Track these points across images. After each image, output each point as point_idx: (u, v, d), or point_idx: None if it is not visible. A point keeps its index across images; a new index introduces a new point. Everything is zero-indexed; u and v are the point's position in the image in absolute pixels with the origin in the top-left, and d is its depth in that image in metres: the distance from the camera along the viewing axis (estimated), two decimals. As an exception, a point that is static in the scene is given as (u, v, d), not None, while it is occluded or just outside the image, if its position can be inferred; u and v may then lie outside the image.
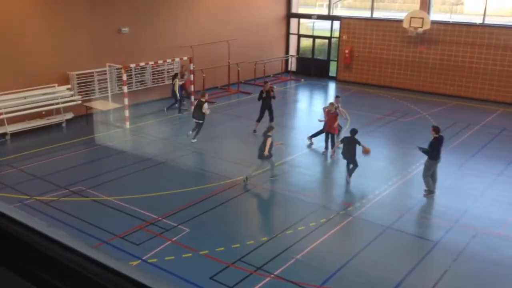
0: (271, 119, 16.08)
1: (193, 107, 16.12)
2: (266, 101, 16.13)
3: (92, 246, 1.15)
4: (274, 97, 16.36)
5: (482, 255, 8.99)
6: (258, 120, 16.12)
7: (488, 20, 21.43)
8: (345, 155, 12.14)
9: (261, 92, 16.20)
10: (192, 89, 18.51)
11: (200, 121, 14.73)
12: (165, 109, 18.33)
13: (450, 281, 8.23)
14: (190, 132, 14.98)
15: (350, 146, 11.96)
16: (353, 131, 12.12)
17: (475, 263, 8.72)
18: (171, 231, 9.54)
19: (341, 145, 12.27)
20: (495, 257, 8.92)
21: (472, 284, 8.20)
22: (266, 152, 11.67)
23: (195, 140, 14.85)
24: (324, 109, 14.66)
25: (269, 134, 11.93)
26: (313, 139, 14.82)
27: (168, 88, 19.70)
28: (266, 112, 16.20)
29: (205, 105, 14.63)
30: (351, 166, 12.00)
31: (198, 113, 14.68)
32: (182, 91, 18.68)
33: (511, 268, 8.66)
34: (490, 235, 9.70)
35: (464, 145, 15.26)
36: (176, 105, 18.44)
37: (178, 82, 18.18)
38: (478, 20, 21.42)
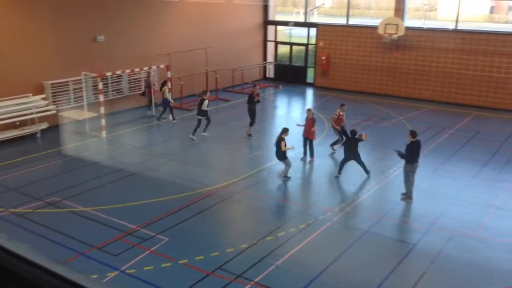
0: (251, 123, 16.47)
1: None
2: (252, 105, 16.53)
3: (57, 260, 1.12)
4: (259, 101, 16.85)
5: (459, 256, 9.12)
6: (251, 124, 16.54)
7: (461, 26, 21.92)
8: (350, 156, 12.71)
9: (251, 96, 16.64)
10: (171, 98, 18.31)
11: (200, 117, 15.96)
12: (156, 118, 18.29)
13: (428, 283, 8.32)
14: (191, 136, 15.88)
15: (354, 146, 12.62)
16: (353, 132, 12.72)
17: (452, 265, 8.84)
18: (149, 240, 9.42)
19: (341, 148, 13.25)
20: (472, 259, 9.06)
21: (450, 286, 8.30)
22: (283, 148, 12.43)
23: (206, 134, 16.27)
24: (335, 115, 14.72)
25: (283, 136, 12.55)
26: (335, 147, 14.96)
27: (143, 97, 19.58)
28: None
29: (205, 102, 15.85)
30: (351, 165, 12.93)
31: (199, 110, 15.99)
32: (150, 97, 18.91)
33: (487, 269, 8.79)
34: (466, 236, 9.85)
35: (439, 148, 15.52)
36: (164, 113, 18.37)
37: (167, 89, 18.16)
38: (451, 25, 21.88)
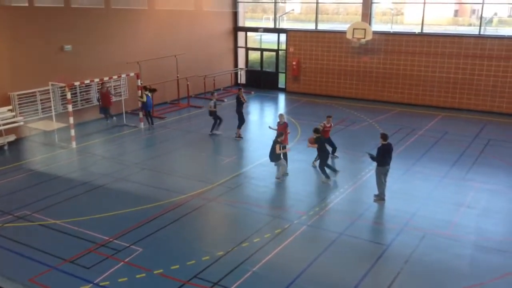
0: (239, 126, 17.18)
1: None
2: (240, 107, 17.23)
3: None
4: (244, 102, 17.47)
5: (431, 255, 9.28)
6: (239, 126, 17.19)
7: (427, 29, 22.45)
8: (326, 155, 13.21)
9: (238, 98, 17.25)
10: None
11: (211, 116, 17.27)
12: (150, 124, 18.57)
13: (403, 282, 8.43)
14: (214, 132, 17.29)
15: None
16: (316, 130, 13.21)
17: (425, 264, 8.99)
18: (123, 252, 9.27)
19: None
20: (444, 257, 9.23)
21: (424, 284, 8.44)
22: (277, 151, 12.83)
23: (219, 133, 17.43)
24: (321, 126, 14.29)
25: (278, 140, 12.87)
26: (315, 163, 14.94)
27: (115, 105, 19.34)
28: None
29: (210, 103, 17.23)
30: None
31: (209, 110, 17.36)
32: (105, 109, 18.66)
33: (460, 267, 8.98)
34: (438, 235, 10.05)
35: (409, 150, 15.81)
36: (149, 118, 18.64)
37: (149, 93, 18.47)
38: (417, 29, 22.38)
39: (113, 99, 18.85)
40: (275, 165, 13.30)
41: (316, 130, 13.18)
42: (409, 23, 26.37)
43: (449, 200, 11.85)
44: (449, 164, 14.39)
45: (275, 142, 13.00)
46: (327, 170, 13.11)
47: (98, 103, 18.79)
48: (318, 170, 13.37)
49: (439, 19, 28.25)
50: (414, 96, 22.54)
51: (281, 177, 13.25)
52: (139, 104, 18.48)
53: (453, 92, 21.71)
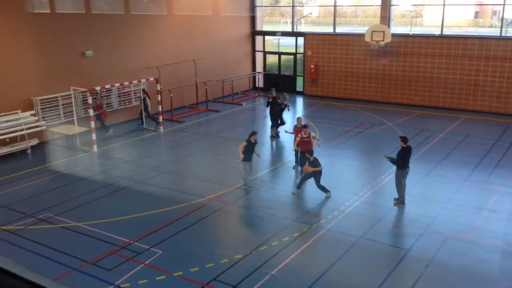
0: (280, 124, 17.30)
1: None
2: (274, 109, 17.14)
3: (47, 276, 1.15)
4: (285, 106, 17.30)
5: (453, 260, 9.16)
6: (272, 127, 17.44)
7: (446, 31, 22.21)
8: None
9: (273, 100, 17.18)
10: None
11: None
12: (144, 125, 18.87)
13: (423, 287, 8.34)
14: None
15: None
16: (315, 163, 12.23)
17: (446, 268, 8.87)
18: (143, 254, 9.37)
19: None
20: (465, 261, 9.10)
21: (445, 289, 8.33)
22: (239, 150, 12.45)
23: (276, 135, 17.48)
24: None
25: (250, 139, 12.52)
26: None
27: (135, 109, 19.60)
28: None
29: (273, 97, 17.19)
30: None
31: None
32: (100, 120, 18.03)
33: (481, 271, 8.84)
34: (459, 240, 9.91)
35: (430, 153, 15.63)
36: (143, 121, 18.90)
37: (147, 98, 18.70)
38: (436, 31, 22.16)
39: (105, 109, 18.14)
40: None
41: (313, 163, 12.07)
42: (429, 25, 26.12)
43: (471, 204, 11.68)
44: (470, 167, 14.19)
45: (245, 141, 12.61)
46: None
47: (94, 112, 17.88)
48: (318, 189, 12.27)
49: (460, 20, 27.90)
50: (434, 99, 22.29)
51: (247, 185, 12.60)
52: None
53: (474, 94, 21.40)
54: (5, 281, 1.14)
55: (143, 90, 19.04)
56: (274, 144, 17.24)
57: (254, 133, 12.71)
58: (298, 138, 13.43)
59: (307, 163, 12.13)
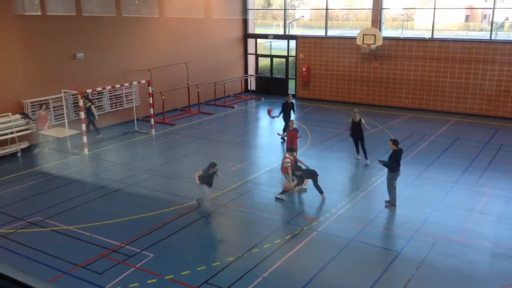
0: (363, 152, 15.00)
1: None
2: (356, 130, 14.96)
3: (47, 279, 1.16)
4: (364, 127, 14.92)
5: (443, 261, 9.21)
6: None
7: (437, 35, 22.38)
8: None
9: (356, 124, 14.95)
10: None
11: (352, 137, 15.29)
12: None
13: (414, 289, 8.38)
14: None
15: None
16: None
17: (437, 270, 8.93)
18: (134, 257, 9.33)
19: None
20: (456, 263, 9.16)
21: (435, 291, 8.37)
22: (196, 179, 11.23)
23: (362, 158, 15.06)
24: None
25: (207, 170, 11.26)
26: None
27: (126, 112, 19.53)
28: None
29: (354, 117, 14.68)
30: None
31: None
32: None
33: (471, 273, 8.90)
34: (449, 242, 9.97)
35: (421, 155, 15.73)
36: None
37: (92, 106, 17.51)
38: (427, 35, 22.32)
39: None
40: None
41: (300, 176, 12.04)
42: (420, 29, 26.29)
43: (461, 206, 11.76)
44: (461, 169, 14.29)
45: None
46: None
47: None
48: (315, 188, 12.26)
49: (450, 24, 28.13)
50: (425, 102, 22.44)
51: (206, 212, 11.19)
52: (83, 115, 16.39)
53: (464, 97, 21.58)
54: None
55: (87, 97, 17.38)
56: (264, 147, 17.25)
57: (213, 165, 11.26)
58: (285, 164, 12.39)
59: (294, 180, 12.07)
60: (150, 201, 12.27)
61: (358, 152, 15.21)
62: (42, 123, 16.24)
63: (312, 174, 12.18)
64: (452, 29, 28.06)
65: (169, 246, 9.84)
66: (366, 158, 14.90)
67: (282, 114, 17.37)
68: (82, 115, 16.08)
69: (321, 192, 12.12)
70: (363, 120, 14.95)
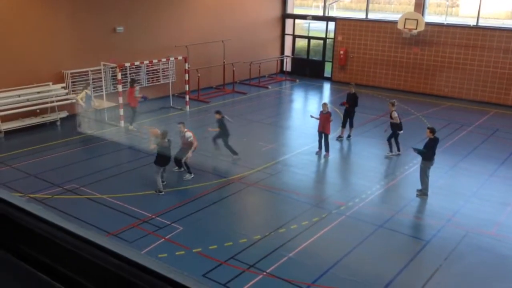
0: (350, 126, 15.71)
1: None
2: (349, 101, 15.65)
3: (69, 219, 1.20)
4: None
5: (473, 254, 9.07)
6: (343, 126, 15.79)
7: (483, 23, 21.58)
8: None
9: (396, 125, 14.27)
10: None
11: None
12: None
13: (441, 279, 8.30)
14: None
15: None
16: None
17: (466, 262, 8.80)
18: (164, 229, 9.57)
19: None
20: (486, 257, 9.00)
21: (463, 283, 8.27)
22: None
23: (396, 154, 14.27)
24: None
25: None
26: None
27: (162, 87, 19.76)
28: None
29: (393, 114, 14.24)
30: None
31: None
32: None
33: (502, 268, 8.74)
34: (481, 234, 9.79)
35: (457, 145, 15.37)
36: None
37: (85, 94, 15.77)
38: (472, 22, 21.56)
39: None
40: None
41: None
42: (465, 16, 25.39)
43: (496, 199, 11.48)
44: (498, 162, 13.91)
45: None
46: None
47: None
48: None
49: (497, 12, 27.04)
50: (465, 91, 21.78)
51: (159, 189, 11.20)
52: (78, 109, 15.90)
53: (507, 88, 20.83)
54: (44, 228, 1.18)
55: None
56: (297, 129, 17.16)
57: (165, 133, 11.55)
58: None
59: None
60: (182, 175, 12.47)
61: (344, 126, 15.69)
62: (132, 100, 15.97)
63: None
64: (499, 17, 26.98)
65: (198, 220, 10.03)
66: (349, 135, 15.66)
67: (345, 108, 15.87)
68: (120, 88, 16.37)
69: (234, 153, 13.09)
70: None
